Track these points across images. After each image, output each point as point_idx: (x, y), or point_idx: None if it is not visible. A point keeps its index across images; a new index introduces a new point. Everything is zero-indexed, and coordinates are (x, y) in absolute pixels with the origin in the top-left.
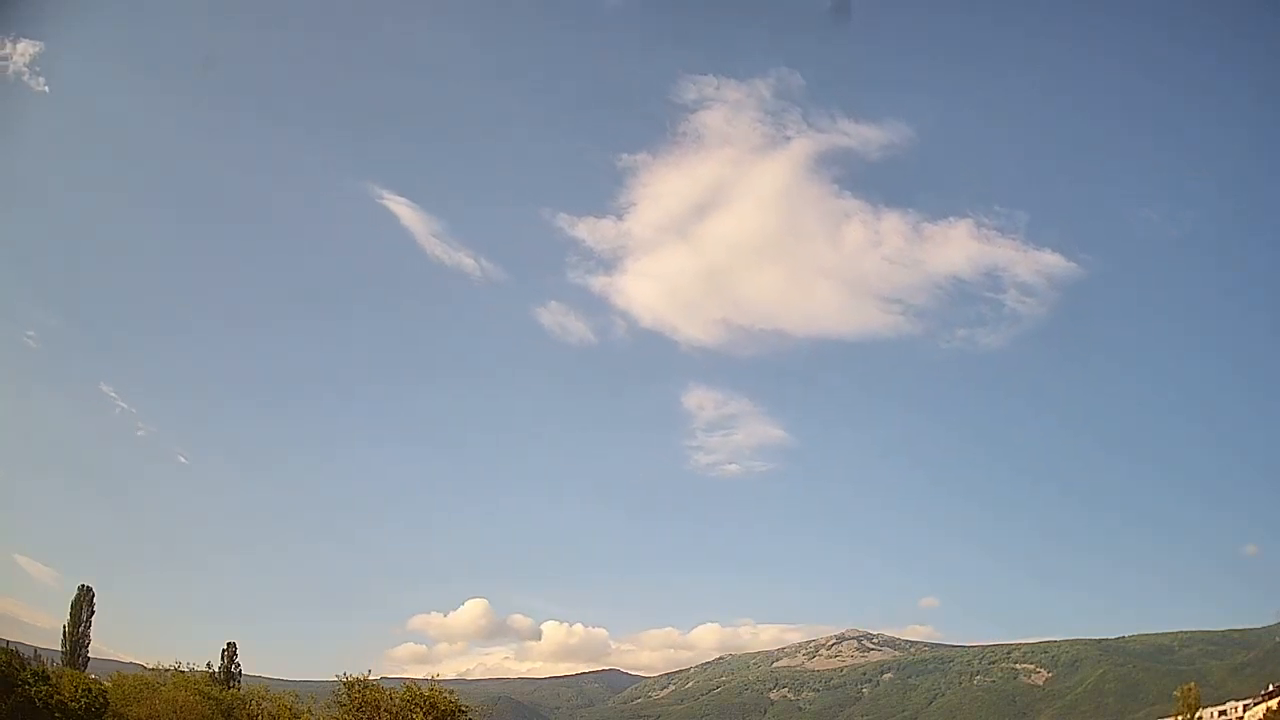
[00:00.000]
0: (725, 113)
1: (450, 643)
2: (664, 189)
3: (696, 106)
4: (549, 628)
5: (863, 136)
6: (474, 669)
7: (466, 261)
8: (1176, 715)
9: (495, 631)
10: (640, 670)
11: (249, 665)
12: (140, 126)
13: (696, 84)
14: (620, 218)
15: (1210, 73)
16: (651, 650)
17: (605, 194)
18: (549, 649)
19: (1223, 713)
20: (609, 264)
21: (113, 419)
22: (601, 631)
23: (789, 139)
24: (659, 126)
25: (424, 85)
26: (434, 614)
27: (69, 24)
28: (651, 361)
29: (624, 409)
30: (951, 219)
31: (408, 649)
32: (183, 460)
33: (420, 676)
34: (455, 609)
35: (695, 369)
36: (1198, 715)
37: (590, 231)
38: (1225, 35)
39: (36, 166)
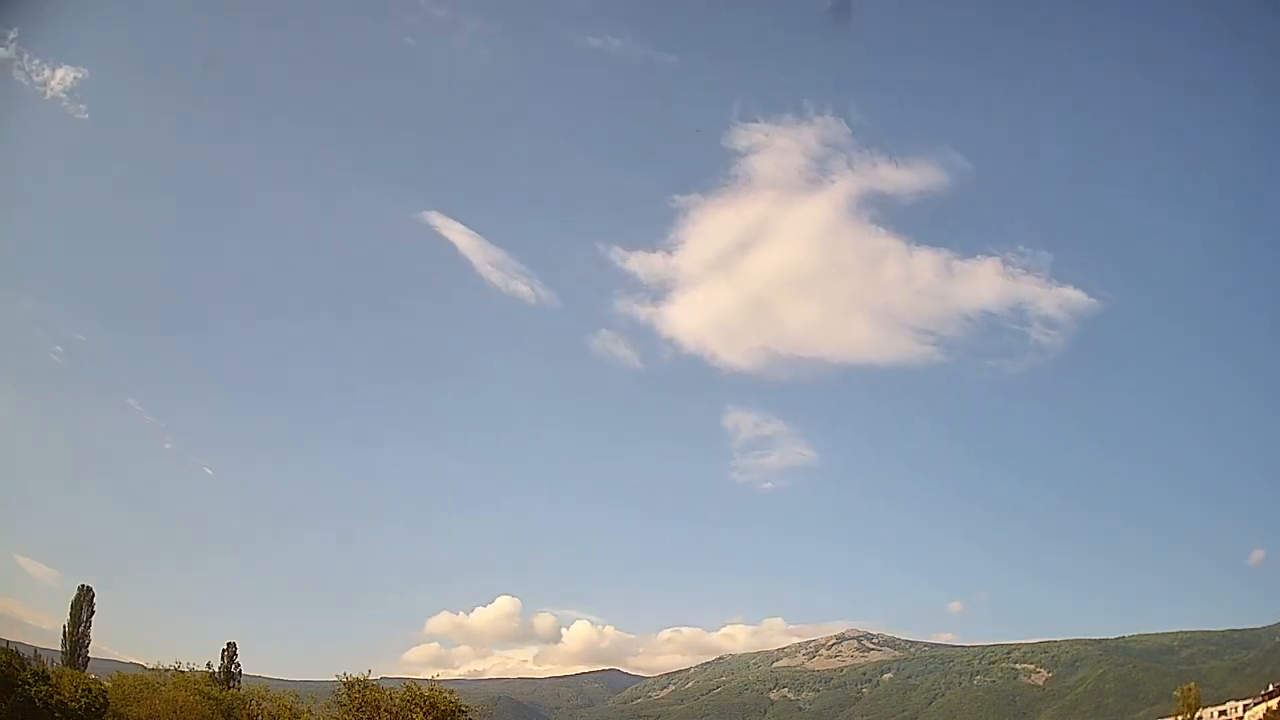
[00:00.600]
0: (774, 157)
1: (472, 645)
2: (712, 227)
3: (747, 152)
4: (580, 628)
5: (900, 180)
6: (489, 668)
7: (522, 288)
8: (1176, 715)
9: (520, 634)
10: (642, 671)
11: (249, 665)
12: (178, 146)
13: (748, 131)
14: (670, 253)
15: (1227, 102)
16: (678, 653)
17: (657, 231)
18: (576, 649)
19: (1223, 713)
20: (657, 295)
21: (124, 423)
22: (629, 636)
23: (832, 181)
24: (712, 170)
25: (494, 122)
26: (459, 614)
27: (106, 46)
28: (694, 385)
29: (667, 427)
30: (980, 257)
31: (426, 650)
32: (208, 471)
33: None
34: (482, 606)
35: (735, 392)
36: (1198, 715)
37: (641, 265)
38: (1236, 61)
39: (65, 183)
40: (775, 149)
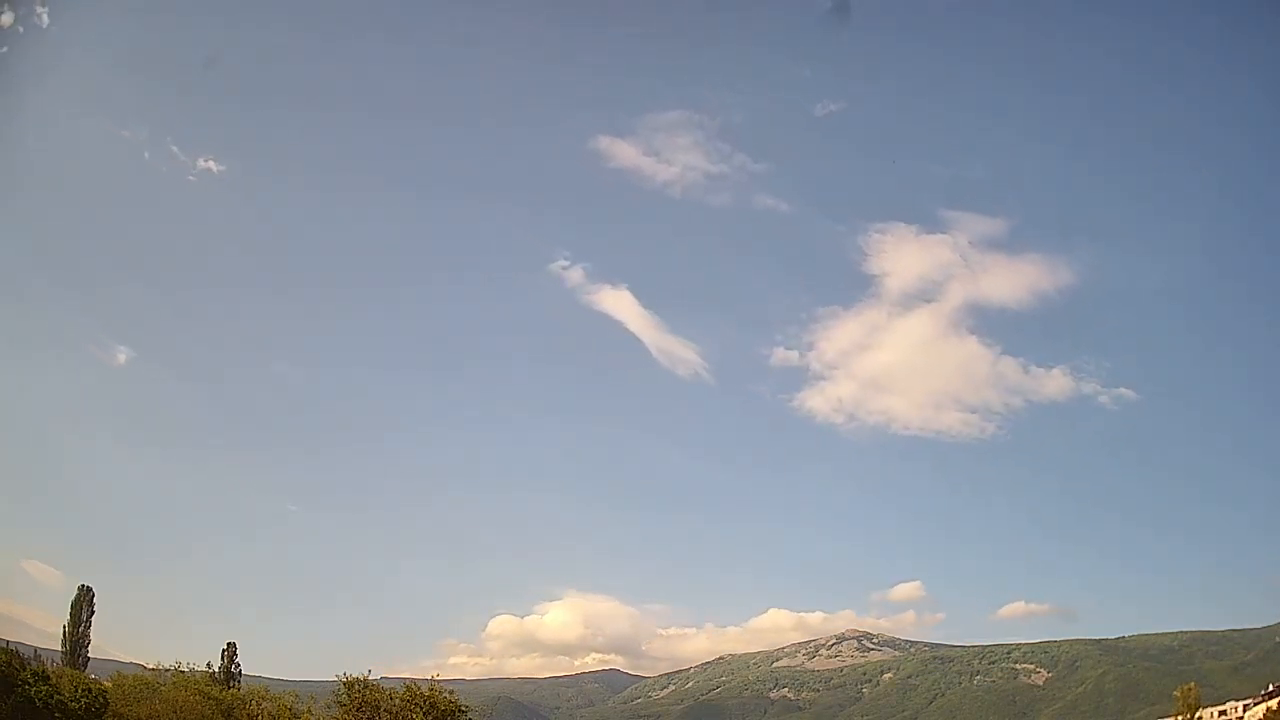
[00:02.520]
0: (903, 279)
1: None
2: (840, 333)
3: (881, 276)
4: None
5: (995, 298)
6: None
7: (687, 361)
8: (1176, 715)
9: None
10: (643, 671)
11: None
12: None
13: (880, 257)
14: (803, 353)
15: None
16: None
17: (797, 336)
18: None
19: (1223, 713)
20: (793, 386)
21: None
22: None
23: (942, 297)
24: (851, 289)
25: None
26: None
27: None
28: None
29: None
30: (1051, 365)
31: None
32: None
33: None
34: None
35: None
36: (1198, 715)
37: (781, 359)
38: None
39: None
40: (905, 275)
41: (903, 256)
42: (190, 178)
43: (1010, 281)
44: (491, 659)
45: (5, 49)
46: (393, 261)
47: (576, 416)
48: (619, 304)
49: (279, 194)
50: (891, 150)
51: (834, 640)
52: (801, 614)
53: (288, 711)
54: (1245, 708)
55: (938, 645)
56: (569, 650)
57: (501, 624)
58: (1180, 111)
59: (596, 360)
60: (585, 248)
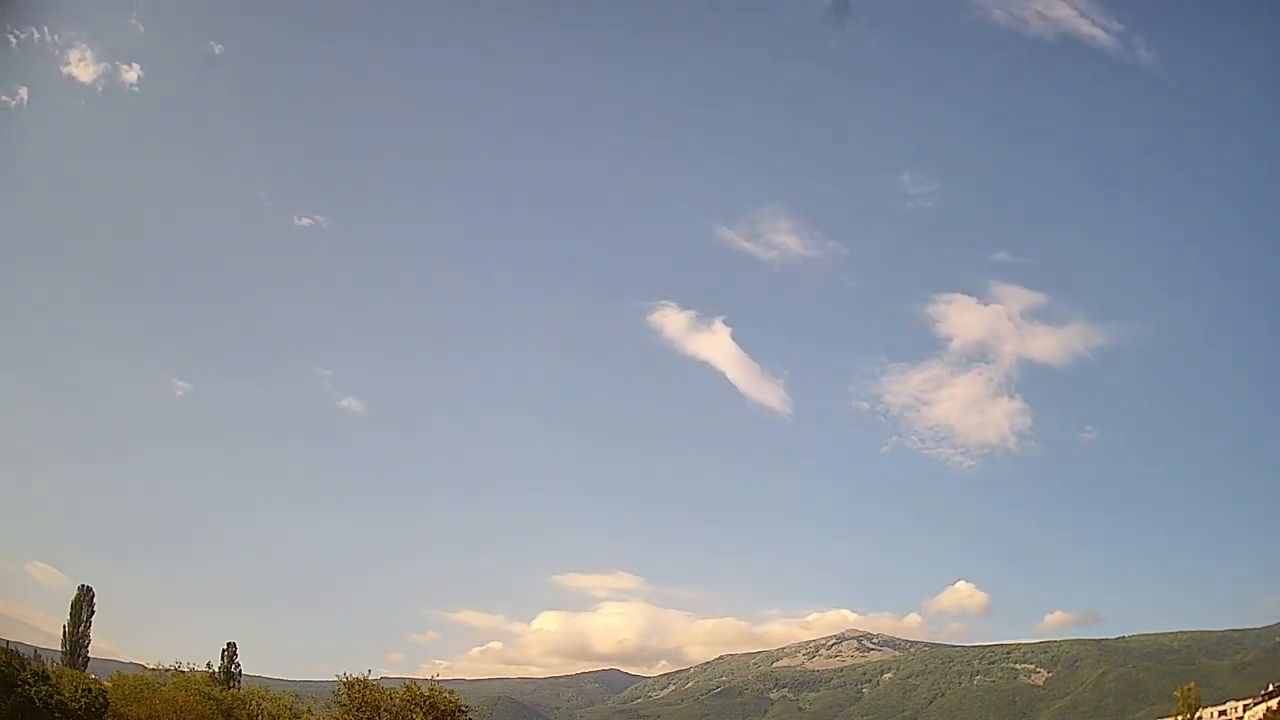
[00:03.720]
0: (965, 342)
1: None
2: (902, 388)
3: (949, 338)
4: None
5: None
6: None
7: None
8: (1176, 715)
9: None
10: (643, 671)
11: (248, 665)
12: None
13: (948, 322)
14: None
15: None
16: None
17: (868, 387)
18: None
19: (1223, 713)
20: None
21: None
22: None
23: (992, 361)
24: (918, 348)
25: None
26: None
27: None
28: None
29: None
30: None
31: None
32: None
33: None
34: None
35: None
36: (1198, 715)
37: (856, 408)
38: None
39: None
40: (969, 337)
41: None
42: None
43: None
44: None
45: (86, 102)
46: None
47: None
48: (717, 347)
49: (388, 251)
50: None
51: (834, 640)
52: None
53: (288, 711)
54: (1245, 708)
55: (938, 645)
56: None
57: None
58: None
59: (693, 399)
60: (691, 297)
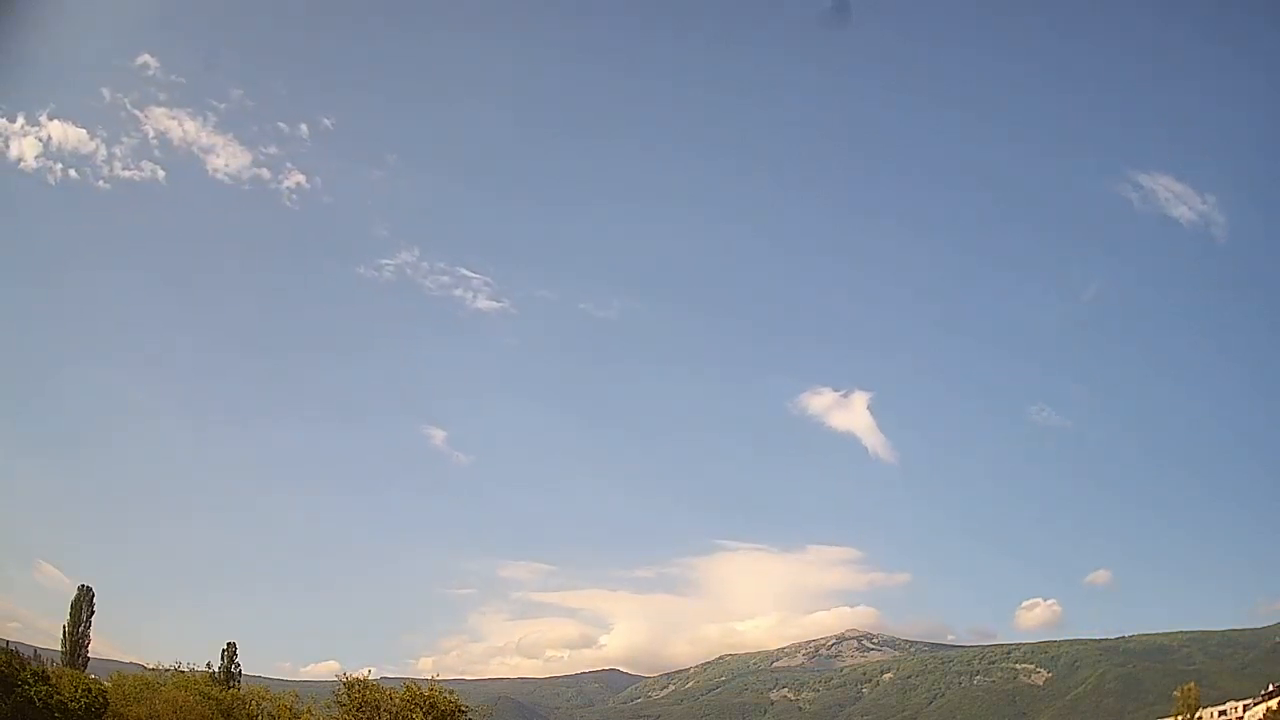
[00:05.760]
0: None
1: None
2: None
3: None
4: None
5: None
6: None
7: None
8: (1176, 715)
9: None
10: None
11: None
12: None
13: None
14: None
15: None
16: None
17: None
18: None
19: (1223, 713)
20: None
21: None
22: None
23: None
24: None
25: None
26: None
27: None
28: None
29: None
30: None
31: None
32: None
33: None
34: None
35: None
36: (1198, 715)
37: None
38: None
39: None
40: None
41: None
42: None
43: None
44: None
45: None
46: None
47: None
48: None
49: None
50: None
51: (834, 640)
52: None
53: (288, 711)
54: (1245, 708)
55: (938, 645)
56: None
57: None
58: None
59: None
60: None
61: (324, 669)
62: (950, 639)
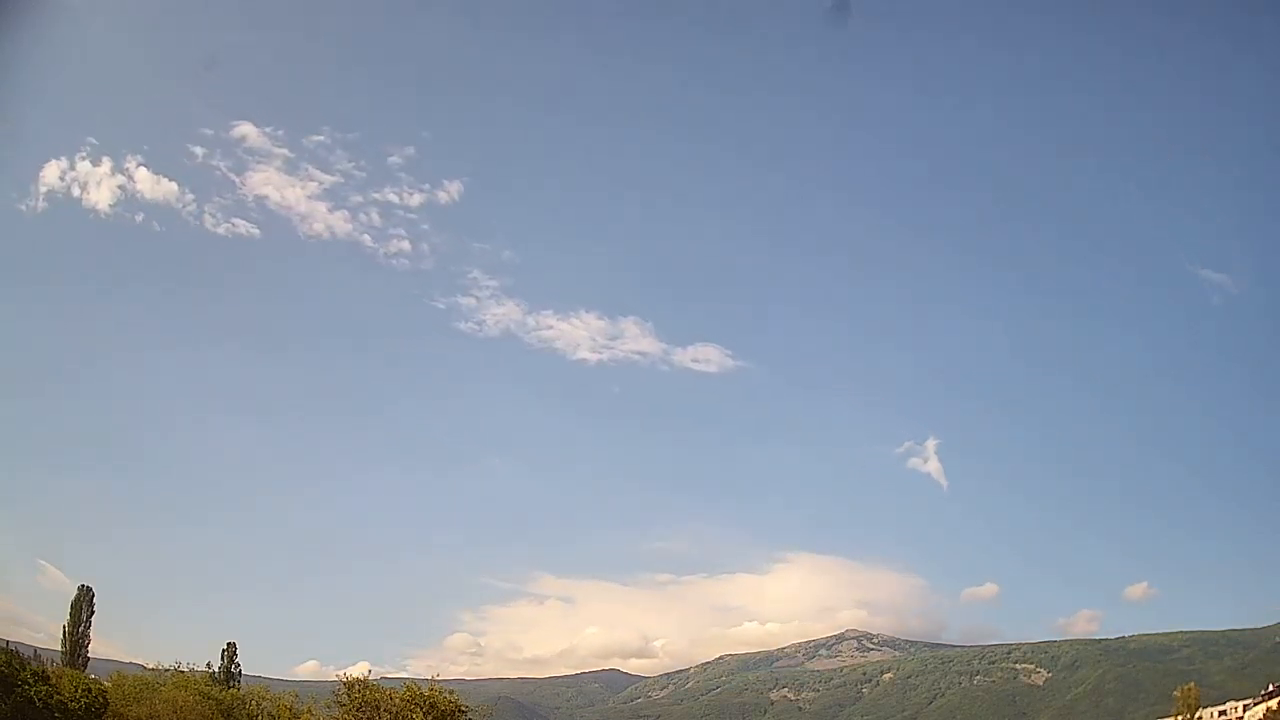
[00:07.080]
0: None
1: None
2: None
3: None
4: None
5: None
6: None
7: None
8: (1176, 715)
9: None
10: (643, 671)
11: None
12: None
13: None
14: None
15: None
16: None
17: None
18: None
19: (1223, 713)
20: None
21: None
22: None
23: None
24: None
25: None
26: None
27: None
28: None
29: None
30: None
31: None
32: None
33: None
34: None
35: None
36: (1198, 715)
37: None
38: None
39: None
40: None
41: None
42: None
43: None
44: None
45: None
46: None
47: None
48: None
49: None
50: None
51: (834, 640)
52: None
53: (288, 711)
54: (1245, 708)
55: (938, 645)
56: None
57: None
58: None
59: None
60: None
61: (324, 669)
62: (949, 639)
